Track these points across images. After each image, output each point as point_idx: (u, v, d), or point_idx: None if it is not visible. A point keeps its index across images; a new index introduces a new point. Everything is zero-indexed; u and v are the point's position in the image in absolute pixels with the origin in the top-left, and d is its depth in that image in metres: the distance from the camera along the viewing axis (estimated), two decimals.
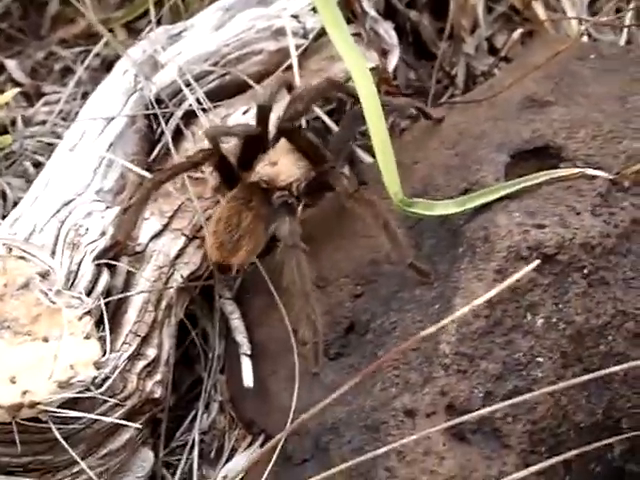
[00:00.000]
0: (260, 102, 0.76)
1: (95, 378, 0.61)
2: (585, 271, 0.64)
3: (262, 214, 0.72)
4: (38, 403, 0.56)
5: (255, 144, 0.76)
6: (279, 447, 0.68)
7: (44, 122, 0.93)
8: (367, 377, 0.67)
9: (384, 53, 0.93)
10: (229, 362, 0.78)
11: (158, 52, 0.85)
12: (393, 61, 0.93)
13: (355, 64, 0.74)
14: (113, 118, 0.78)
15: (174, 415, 0.75)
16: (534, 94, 0.80)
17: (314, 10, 0.89)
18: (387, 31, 0.94)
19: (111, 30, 1.01)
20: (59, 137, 0.87)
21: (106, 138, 0.78)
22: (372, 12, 0.94)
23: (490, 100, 0.83)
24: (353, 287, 0.75)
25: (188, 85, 0.82)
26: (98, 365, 0.61)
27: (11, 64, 1.01)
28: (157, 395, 0.68)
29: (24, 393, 0.56)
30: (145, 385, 0.67)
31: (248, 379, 0.71)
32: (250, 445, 0.73)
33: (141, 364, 0.67)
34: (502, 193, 0.68)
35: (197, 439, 0.73)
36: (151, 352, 0.69)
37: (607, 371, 0.60)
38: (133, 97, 0.81)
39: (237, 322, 0.75)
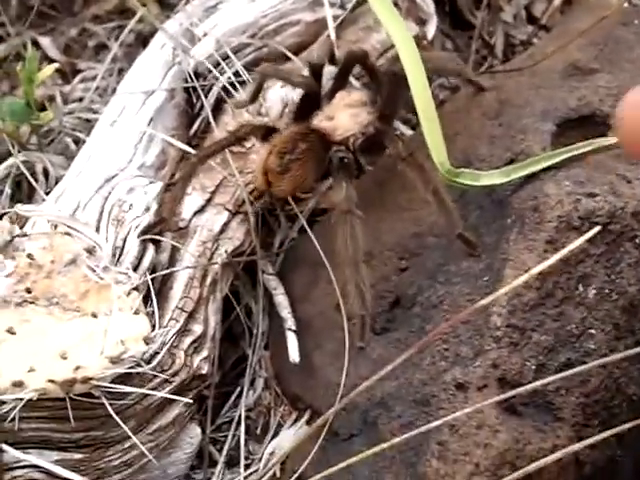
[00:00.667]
0: (313, 60, 0.75)
1: (145, 353, 0.61)
2: (637, 240, 0.63)
3: (317, 152, 0.72)
4: (91, 378, 0.56)
5: (311, 100, 0.75)
6: (327, 423, 0.68)
7: (81, 99, 0.93)
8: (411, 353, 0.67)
9: (421, 22, 0.91)
10: (273, 338, 0.78)
11: (195, 25, 0.84)
12: (431, 30, 0.91)
13: (398, 31, 0.73)
14: (152, 92, 0.78)
15: (219, 392, 0.74)
16: (577, 61, 0.78)
17: None
18: (424, 0, 0.93)
19: (144, 5, 1.00)
20: (97, 113, 0.87)
21: (146, 113, 0.77)
22: None
23: (532, 69, 0.81)
24: (397, 261, 0.74)
25: (226, 58, 0.81)
26: (148, 340, 0.61)
27: (45, 41, 1.01)
28: (204, 371, 0.68)
29: (76, 369, 0.56)
30: (192, 361, 0.67)
31: (294, 354, 0.71)
32: (296, 421, 0.73)
33: (188, 340, 0.67)
34: (549, 162, 0.67)
35: (243, 415, 0.73)
36: (197, 328, 0.68)
37: None
38: (171, 71, 0.80)
39: (281, 298, 0.75)
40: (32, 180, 0.76)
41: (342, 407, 0.68)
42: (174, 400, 0.64)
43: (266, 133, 0.73)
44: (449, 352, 0.63)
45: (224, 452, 0.71)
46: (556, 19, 0.96)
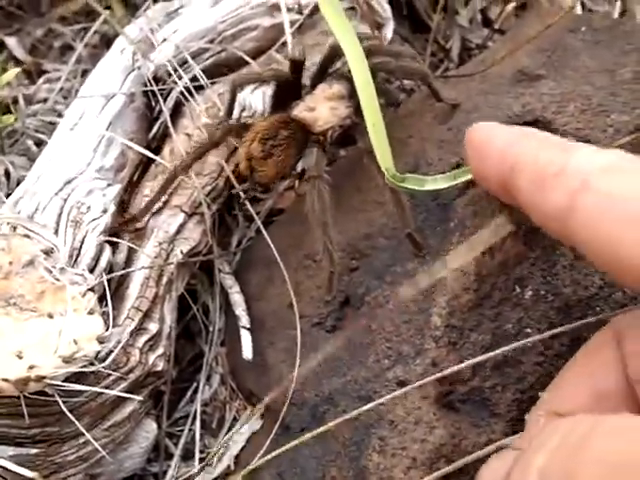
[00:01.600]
0: (294, 56, 0.78)
1: (99, 353, 0.63)
2: None
3: (298, 140, 0.75)
4: (44, 377, 0.58)
5: (288, 91, 0.78)
6: (280, 418, 0.70)
7: (45, 100, 0.95)
8: (362, 349, 0.70)
9: (378, 27, 0.94)
10: (229, 336, 0.80)
11: (155, 30, 0.86)
12: (388, 34, 0.94)
13: (346, 39, 0.75)
14: (112, 96, 0.80)
15: (176, 388, 0.77)
16: (525, 67, 0.81)
17: None
18: (381, 4, 0.95)
19: (109, 7, 1.01)
20: (60, 115, 0.89)
21: (105, 117, 0.79)
22: None
23: (483, 74, 0.84)
24: (349, 261, 0.76)
25: (185, 63, 0.83)
26: (101, 340, 0.63)
27: (12, 42, 1.02)
28: (159, 368, 0.70)
29: (30, 368, 0.59)
30: (147, 358, 0.69)
31: (247, 351, 0.74)
32: (250, 416, 0.76)
33: (143, 338, 0.70)
34: None
35: (199, 410, 0.75)
36: (153, 326, 0.71)
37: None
38: (131, 75, 0.82)
39: (237, 296, 0.78)
40: None
41: (292, 402, 0.71)
42: (128, 397, 0.67)
43: (244, 132, 0.75)
44: (392, 351, 0.66)
45: (180, 445, 0.74)
46: (511, 23, 0.98)
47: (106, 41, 1.00)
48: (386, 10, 0.94)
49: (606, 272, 0.52)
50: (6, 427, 0.60)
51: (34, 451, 0.61)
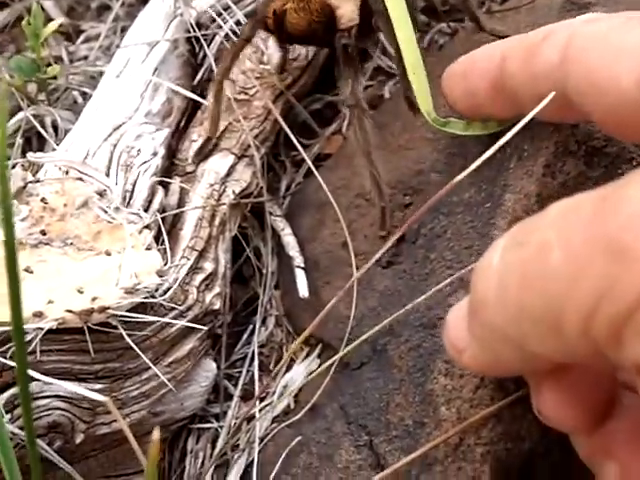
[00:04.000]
0: None
1: (159, 286, 0.63)
2: (634, 163, 0.64)
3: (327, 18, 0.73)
4: (107, 308, 0.58)
5: None
6: (339, 356, 0.70)
7: (86, 57, 0.95)
8: (421, 279, 0.69)
9: None
10: (282, 278, 0.80)
11: None
12: None
13: None
14: (156, 43, 0.79)
15: (232, 331, 0.76)
16: (574, 2, 0.79)
17: None
18: None
19: None
20: (102, 69, 0.89)
21: (150, 63, 0.79)
22: None
23: (529, 7, 0.82)
24: (401, 197, 0.75)
25: (227, 8, 0.83)
26: (161, 273, 0.63)
27: (48, 4, 1.02)
28: (216, 307, 0.70)
29: (93, 299, 0.59)
30: (205, 297, 0.69)
31: (303, 290, 0.73)
32: (307, 356, 0.75)
33: (199, 277, 0.69)
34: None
35: (256, 352, 0.75)
36: (208, 266, 0.70)
37: None
38: (174, 22, 0.82)
39: (289, 238, 0.77)
40: (43, 131, 0.78)
41: (351, 339, 0.70)
42: (189, 333, 0.67)
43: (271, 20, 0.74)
44: (453, 277, 0.65)
45: (239, 387, 0.74)
46: None
47: None
48: None
49: (613, 130, 0.54)
50: (70, 363, 0.60)
51: (98, 387, 0.61)
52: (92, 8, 1.05)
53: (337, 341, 0.73)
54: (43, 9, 1.02)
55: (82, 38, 0.97)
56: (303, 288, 0.73)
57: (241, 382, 0.74)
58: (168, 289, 0.64)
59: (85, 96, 0.86)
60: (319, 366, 0.74)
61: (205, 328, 0.66)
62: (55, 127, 0.81)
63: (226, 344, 0.74)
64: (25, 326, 0.56)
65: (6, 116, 0.79)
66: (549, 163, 0.64)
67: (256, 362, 0.74)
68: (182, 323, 0.63)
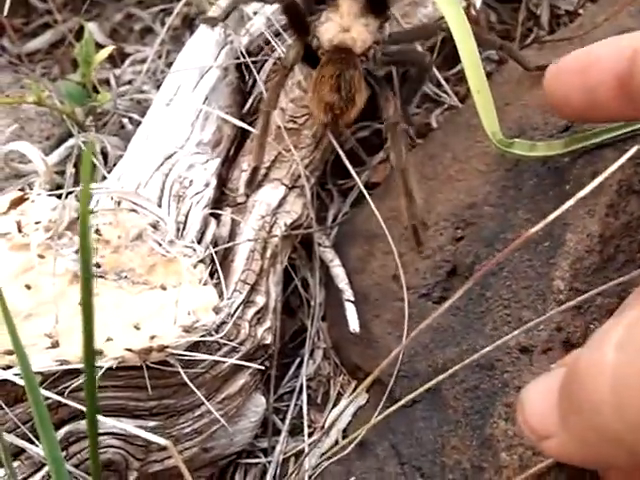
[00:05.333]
0: None
1: (214, 323, 0.62)
2: None
3: (356, 67, 0.74)
4: (166, 347, 0.58)
5: (299, 9, 0.77)
6: (388, 390, 0.69)
7: (130, 82, 0.94)
8: (477, 318, 0.68)
9: None
10: (330, 310, 0.79)
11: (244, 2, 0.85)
12: (477, 3, 0.91)
13: (451, 9, 0.73)
14: (207, 71, 0.79)
15: (279, 363, 0.76)
16: (629, 29, 0.78)
17: None
18: None
19: None
20: (148, 95, 0.89)
21: (201, 91, 0.78)
22: None
23: (582, 38, 0.81)
24: (453, 230, 0.74)
25: (278, 35, 0.82)
26: (217, 310, 0.62)
27: (93, 27, 1.02)
28: (268, 341, 0.69)
29: (152, 338, 0.58)
30: (256, 331, 0.68)
31: (354, 324, 0.72)
32: (355, 390, 0.74)
33: (251, 311, 0.69)
34: (616, 133, 0.66)
35: (305, 385, 0.74)
36: (260, 299, 0.70)
37: None
38: (224, 49, 0.81)
39: (338, 269, 0.76)
40: (94, 159, 0.77)
41: (403, 374, 0.69)
42: (241, 369, 0.66)
43: (306, 52, 0.75)
44: (511, 317, 0.64)
45: (287, 421, 0.73)
46: None
47: (188, 22, 1.00)
48: None
49: None
50: (125, 399, 0.60)
51: (152, 424, 0.61)
52: (135, 30, 1.05)
53: (387, 376, 0.72)
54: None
55: (128, 62, 0.96)
56: (354, 323, 0.72)
57: (289, 416, 0.73)
58: (222, 323, 0.64)
59: (132, 121, 0.86)
60: (368, 401, 0.74)
61: (261, 367, 0.66)
62: (104, 154, 0.80)
63: (274, 377, 0.73)
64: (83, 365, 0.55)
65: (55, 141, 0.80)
66: (612, 203, 0.63)
67: (304, 397, 0.73)
68: (236, 362, 0.62)
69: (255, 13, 0.84)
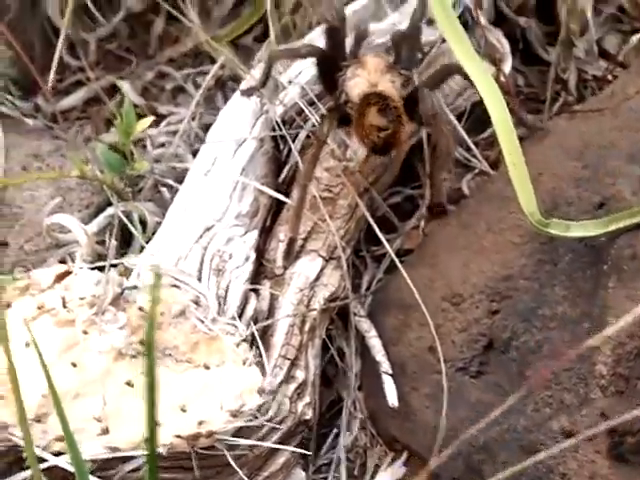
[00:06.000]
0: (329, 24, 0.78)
1: (260, 406, 0.62)
2: None
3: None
4: (214, 432, 0.58)
5: (329, 65, 0.78)
6: (428, 467, 0.69)
7: (163, 144, 0.95)
8: (518, 397, 0.68)
9: (496, 61, 0.93)
10: (367, 380, 0.79)
11: (278, 72, 0.86)
12: (507, 69, 0.93)
13: (481, 77, 0.74)
14: (244, 141, 0.80)
15: (317, 433, 0.76)
16: None
17: (428, 22, 0.90)
18: (499, 39, 0.94)
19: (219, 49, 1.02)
20: (183, 160, 0.90)
21: (238, 162, 0.79)
22: (483, 21, 0.93)
23: (612, 109, 0.82)
24: (489, 303, 0.75)
25: (312, 104, 0.83)
26: (260, 392, 0.63)
27: (125, 86, 1.03)
28: (308, 417, 0.69)
29: (200, 423, 0.59)
30: (297, 407, 0.69)
31: (392, 398, 0.72)
32: (392, 462, 0.75)
33: (292, 387, 0.69)
34: None
35: (343, 457, 0.74)
36: (299, 374, 0.70)
37: None
38: (260, 119, 0.82)
39: (374, 340, 0.77)
40: (133, 229, 0.78)
41: (442, 449, 0.69)
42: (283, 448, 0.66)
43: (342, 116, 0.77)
44: (552, 399, 0.64)
45: None
46: (631, 55, 0.97)
47: (220, 84, 1.01)
48: (504, 45, 0.94)
49: None
50: None
51: None
52: (167, 89, 1.06)
53: (425, 450, 0.72)
54: (118, 90, 1.04)
55: (164, 123, 0.97)
56: (392, 397, 0.72)
57: None
58: (265, 403, 0.64)
59: (167, 187, 0.86)
60: (405, 475, 0.74)
61: (304, 452, 0.66)
62: (142, 221, 0.81)
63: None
64: (137, 452, 0.56)
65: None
66: None
67: (343, 468, 0.74)
68: (279, 446, 0.63)
69: (290, 82, 0.85)
